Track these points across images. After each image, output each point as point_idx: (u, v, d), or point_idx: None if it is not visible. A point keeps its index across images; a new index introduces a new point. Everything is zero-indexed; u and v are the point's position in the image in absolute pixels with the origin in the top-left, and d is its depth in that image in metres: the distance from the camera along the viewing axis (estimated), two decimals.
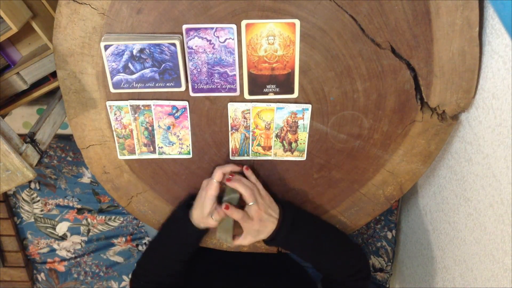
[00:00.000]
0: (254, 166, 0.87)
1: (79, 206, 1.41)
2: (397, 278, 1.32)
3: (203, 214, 0.80)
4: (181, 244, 0.87)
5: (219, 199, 0.81)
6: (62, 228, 1.45)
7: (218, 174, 0.79)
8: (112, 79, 0.76)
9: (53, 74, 0.87)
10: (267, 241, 0.82)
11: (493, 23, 0.69)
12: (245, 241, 0.80)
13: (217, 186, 0.79)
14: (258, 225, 0.77)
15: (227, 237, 0.80)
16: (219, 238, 0.81)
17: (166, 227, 0.90)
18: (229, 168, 0.81)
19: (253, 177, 0.82)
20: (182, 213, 0.84)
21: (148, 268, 0.89)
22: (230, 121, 0.82)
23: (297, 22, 0.71)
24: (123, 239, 1.46)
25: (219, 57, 0.75)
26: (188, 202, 0.86)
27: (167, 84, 0.77)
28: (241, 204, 0.80)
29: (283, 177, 0.88)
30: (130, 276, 0.92)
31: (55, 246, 1.48)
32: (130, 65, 0.74)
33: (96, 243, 1.47)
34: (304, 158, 0.86)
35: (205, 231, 0.86)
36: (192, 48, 0.74)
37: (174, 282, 0.88)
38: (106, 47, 0.72)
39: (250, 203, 0.77)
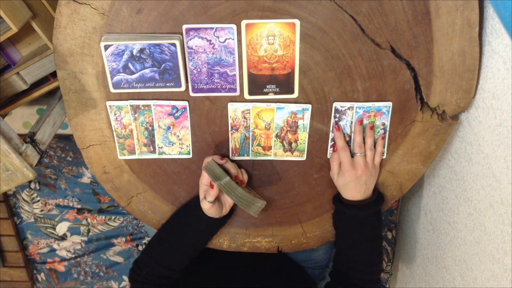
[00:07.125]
0: (254, 166, 0.87)
1: (79, 206, 1.41)
2: (397, 278, 1.32)
3: (200, 201, 0.82)
4: (193, 231, 0.87)
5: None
6: (62, 228, 1.45)
7: (204, 162, 0.81)
8: (112, 79, 0.76)
9: (53, 74, 0.88)
10: (352, 204, 0.83)
11: (493, 23, 0.69)
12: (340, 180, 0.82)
13: (204, 174, 0.80)
14: (363, 172, 0.80)
15: (255, 204, 0.79)
16: (254, 213, 0.80)
17: (178, 216, 0.91)
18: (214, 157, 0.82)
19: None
20: (195, 203, 0.86)
21: (153, 256, 0.89)
22: (230, 121, 0.82)
23: (297, 22, 0.71)
24: (123, 239, 1.46)
25: (219, 57, 0.75)
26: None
27: (167, 84, 0.77)
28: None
29: (283, 177, 0.88)
30: (131, 265, 0.91)
31: (55, 246, 1.48)
32: (130, 65, 0.74)
33: (96, 243, 1.47)
34: (304, 158, 0.86)
35: (218, 224, 0.87)
36: (192, 48, 0.74)
37: (174, 278, 0.88)
38: (106, 47, 0.72)
39: (358, 154, 0.79)
